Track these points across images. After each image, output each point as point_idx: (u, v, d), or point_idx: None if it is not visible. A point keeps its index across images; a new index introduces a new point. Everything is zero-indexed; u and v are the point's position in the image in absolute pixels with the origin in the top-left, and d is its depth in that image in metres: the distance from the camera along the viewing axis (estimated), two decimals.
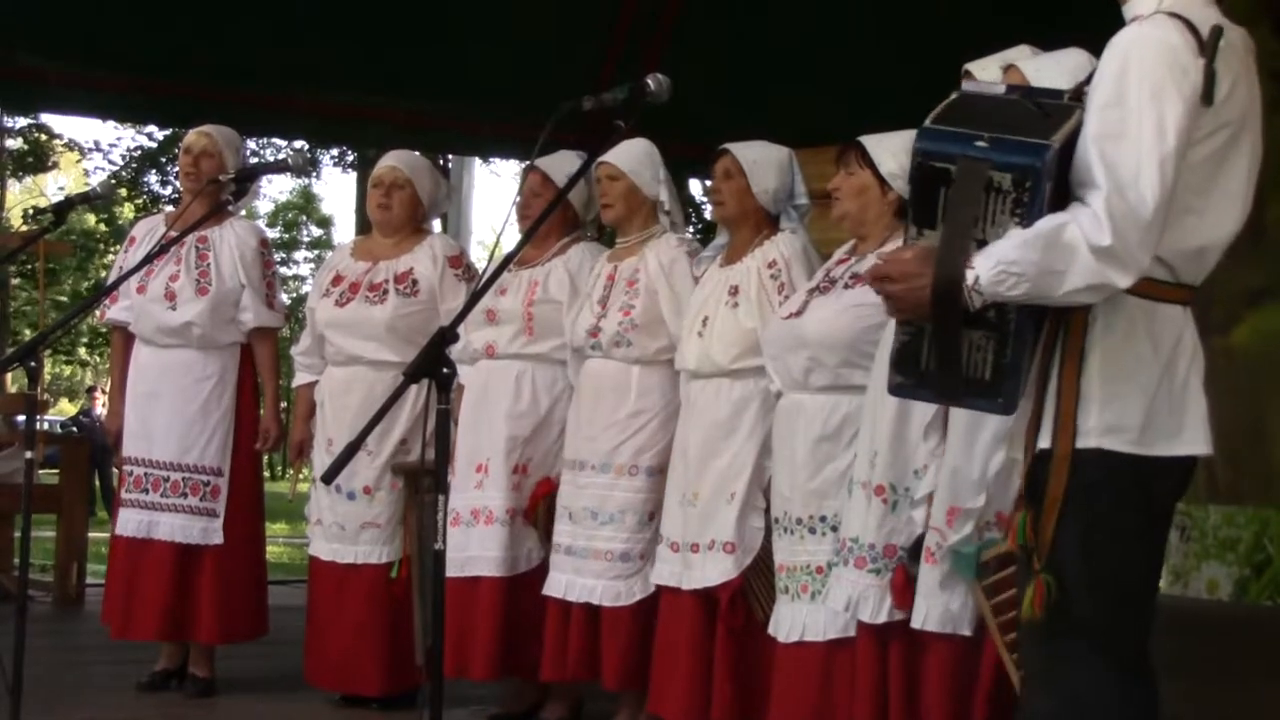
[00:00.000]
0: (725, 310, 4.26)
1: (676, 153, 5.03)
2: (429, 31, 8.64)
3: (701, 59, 8.78)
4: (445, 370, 2.60)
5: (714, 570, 4.16)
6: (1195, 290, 2.51)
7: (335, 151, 22.90)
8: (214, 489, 5.15)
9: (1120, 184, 2.33)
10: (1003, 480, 3.26)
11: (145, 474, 5.17)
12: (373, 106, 8.99)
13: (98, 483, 15.60)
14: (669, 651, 4.25)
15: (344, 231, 31.74)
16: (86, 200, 4.88)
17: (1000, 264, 2.34)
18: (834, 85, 9.14)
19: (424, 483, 4.44)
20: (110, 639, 5.30)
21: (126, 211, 26.75)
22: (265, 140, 20.94)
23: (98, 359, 31.81)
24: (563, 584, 4.49)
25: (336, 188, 37.39)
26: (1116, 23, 2.49)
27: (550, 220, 4.69)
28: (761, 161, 4.35)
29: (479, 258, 14.43)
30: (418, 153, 5.66)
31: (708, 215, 16.24)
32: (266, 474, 6.57)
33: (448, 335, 2.65)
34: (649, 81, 3.02)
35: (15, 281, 25.44)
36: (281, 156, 8.49)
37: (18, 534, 5.26)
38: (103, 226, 29.34)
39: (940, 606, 3.40)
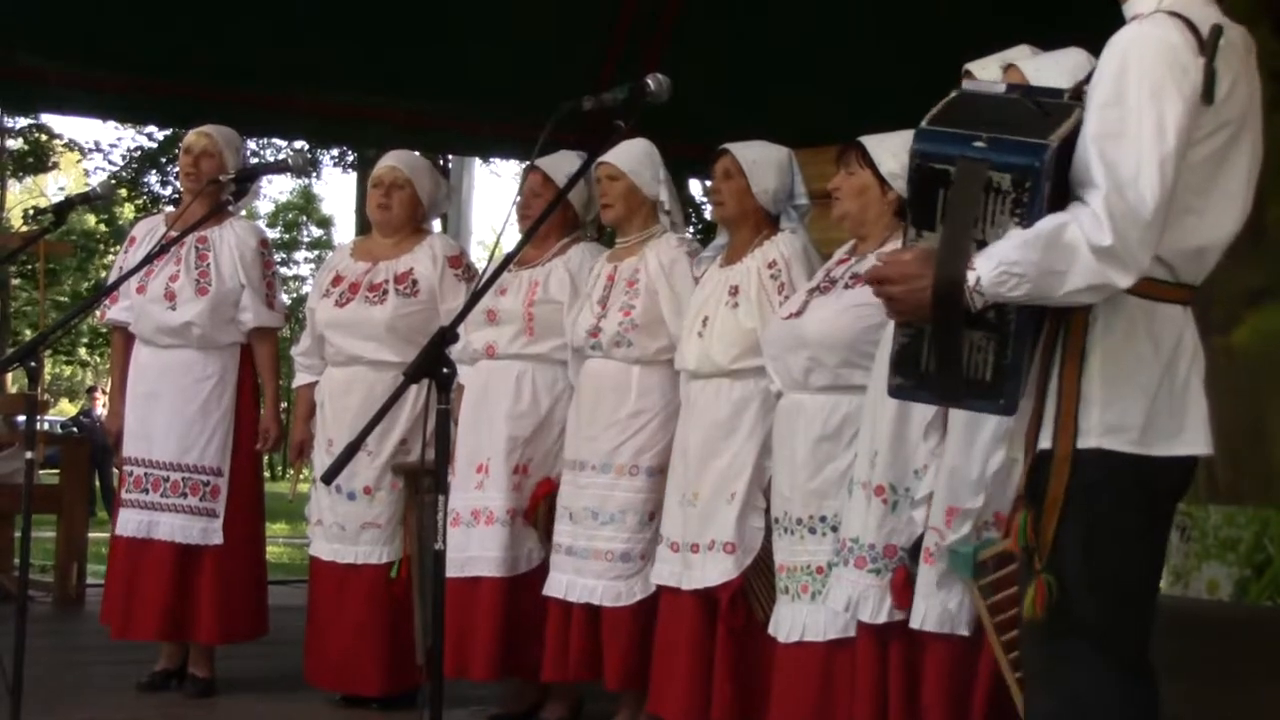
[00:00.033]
0: (725, 310, 4.26)
1: (676, 153, 5.03)
2: (429, 31, 8.64)
3: (701, 59, 8.78)
4: (445, 370, 2.60)
5: (714, 570, 4.16)
6: (1195, 290, 2.51)
7: (335, 152, 22.92)
8: (214, 489, 5.15)
9: (1120, 183, 2.33)
10: (1001, 480, 3.26)
11: (145, 474, 5.17)
12: (373, 106, 8.99)
13: (98, 483, 15.60)
14: (669, 652, 4.25)
15: (344, 232, 31.77)
16: (87, 200, 4.87)
17: (1001, 264, 2.34)
18: (834, 85, 9.14)
19: (424, 483, 4.44)
20: (110, 639, 5.30)
21: (127, 212, 26.76)
22: (265, 140, 20.97)
23: (98, 359, 31.83)
24: (563, 584, 4.49)
25: (337, 188, 37.44)
26: (1116, 22, 2.49)
27: (550, 220, 4.69)
28: (761, 161, 4.35)
29: (479, 258, 14.42)
30: (417, 153, 5.67)
31: (708, 215, 16.24)
32: (267, 474, 6.57)
33: (448, 335, 2.64)
34: (649, 81, 3.01)
35: (15, 282, 25.47)
36: (282, 157, 8.51)
37: (18, 534, 5.26)
38: (103, 227, 29.36)
39: (939, 607, 3.40)
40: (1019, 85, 2.76)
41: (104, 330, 19.32)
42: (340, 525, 4.99)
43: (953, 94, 2.58)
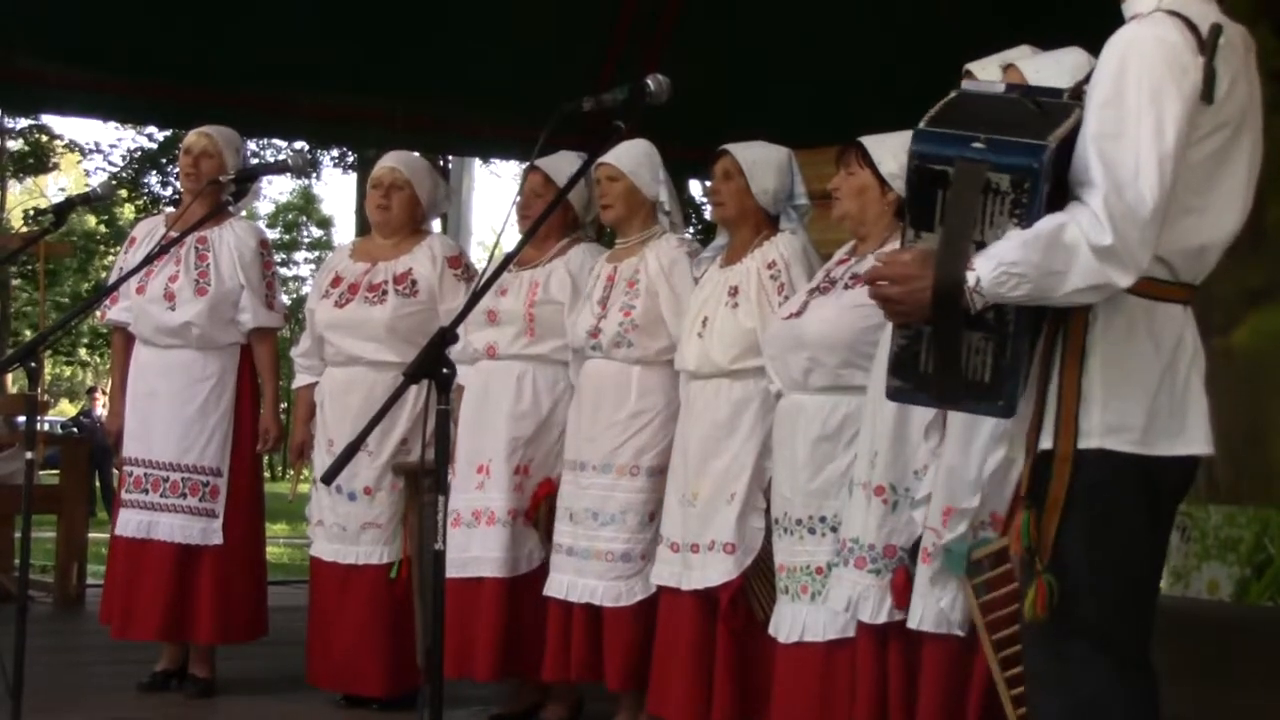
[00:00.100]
0: (725, 311, 4.26)
1: (676, 153, 5.03)
2: (429, 32, 8.65)
3: (701, 59, 8.78)
4: (445, 370, 2.60)
5: (714, 571, 4.15)
6: (1196, 289, 2.51)
7: (335, 152, 22.90)
8: (213, 489, 5.15)
9: (1119, 183, 2.33)
10: (998, 480, 3.26)
11: (145, 474, 5.17)
12: (373, 107, 9.00)
13: (98, 483, 15.60)
14: (669, 652, 4.25)
15: (344, 232, 31.75)
16: (87, 201, 4.87)
17: (1001, 265, 2.34)
18: (834, 85, 9.14)
19: (424, 483, 4.44)
20: (110, 639, 5.30)
21: (127, 212, 26.75)
22: (265, 141, 20.95)
23: (98, 360, 31.83)
24: (564, 585, 4.49)
25: (337, 188, 37.39)
26: (1115, 21, 2.49)
27: (550, 221, 4.69)
28: (761, 162, 4.35)
29: (479, 258, 14.43)
30: (417, 154, 5.66)
31: (708, 216, 16.25)
32: (267, 475, 6.57)
33: (447, 336, 2.64)
34: (649, 82, 3.01)
35: (15, 282, 25.49)
36: (281, 157, 8.50)
37: (18, 534, 5.26)
38: (103, 228, 29.35)
39: (935, 607, 3.40)
40: (1018, 85, 2.76)
41: (104, 331, 19.34)
42: (341, 526, 4.99)
43: (951, 94, 2.57)
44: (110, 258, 26.45)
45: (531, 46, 8.75)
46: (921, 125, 2.46)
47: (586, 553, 4.45)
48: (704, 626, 4.19)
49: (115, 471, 6.15)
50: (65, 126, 25.26)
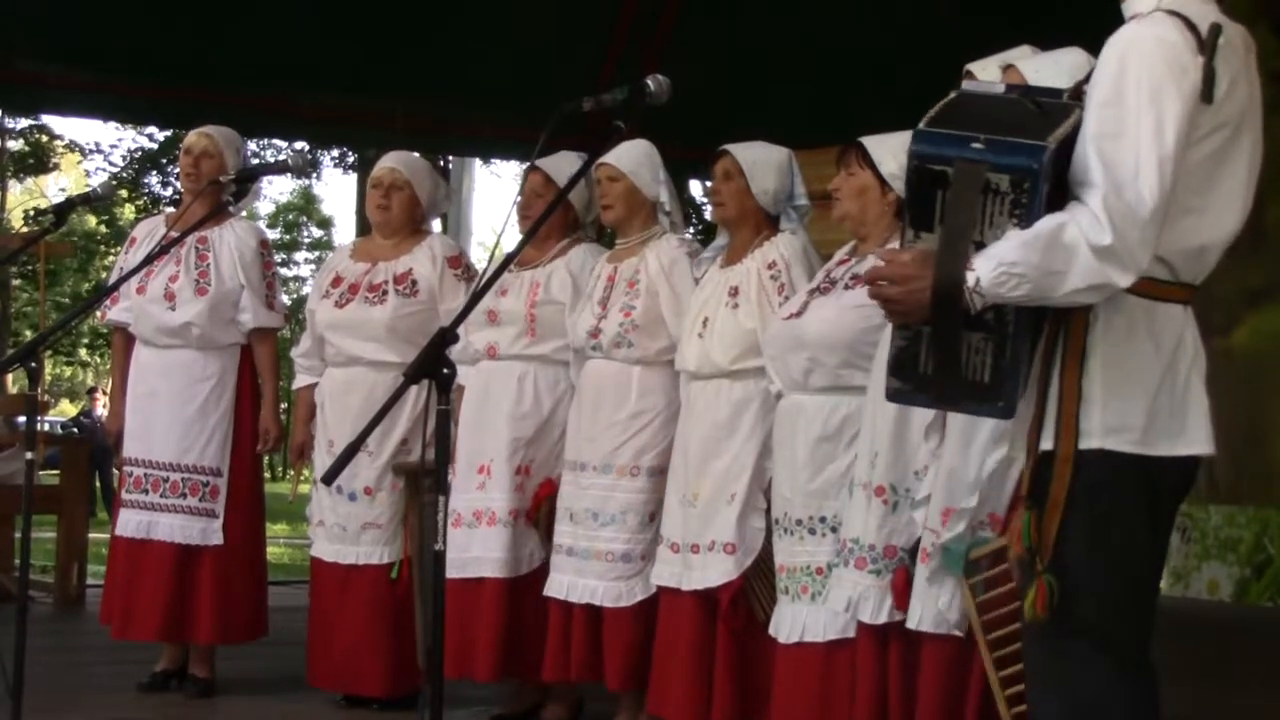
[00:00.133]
0: (725, 311, 4.26)
1: (676, 153, 5.03)
2: (429, 32, 8.65)
3: (701, 59, 8.78)
4: (445, 371, 2.60)
5: (714, 571, 4.15)
6: (1196, 289, 2.51)
7: (336, 152, 22.90)
8: (213, 489, 5.15)
9: (1119, 183, 2.33)
10: (997, 481, 3.26)
11: (145, 474, 5.17)
12: (373, 107, 9.00)
13: (98, 483, 15.60)
14: (669, 652, 4.25)
15: (344, 233, 31.74)
16: (87, 201, 4.87)
17: (1001, 265, 2.33)
18: (834, 85, 9.15)
19: (424, 483, 4.44)
20: (110, 639, 5.30)
21: (127, 213, 26.76)
22: (266, 141, 20.96)
23: (98, 360, 31.83)
24: (564, 585, 4.49)
25: (337, 189, 37.41)
26: (1115, 21, 2.49)
27: (551, 221, 4.69)
28: (761, 162, 4.35)
29: (479, 258, 14.43)
30: (417, 154, 5.66)
31: (708, 216, 16.25)
32: (267, 475, 6.57)
33: (448, 336, 2.64)
34: (649, 82, 3.01)
35: (16, 283, 25.50)
36: (282, 157, 8.50)
37: (18, 535, 5.25)
38: (103, 228, 29.36)
39: (934, 607, 3.40)
40: (1018, 85, 2.76)
41: (104, 331, 19.34)
42: (341, 526, 4.99)
43: (951, 95, 2.57)
44: (110, 258, 26.45)
45: (531, 46, 8.75)
46: (921, 126, 2.46)
47: (587, 553, 4.45)
48: (704, 627, 4.19)
49: (115, 472, 6.15)
50: (65, 127, 25.28)
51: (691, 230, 15.39)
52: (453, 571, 4.45)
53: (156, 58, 8.11)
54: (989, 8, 8.05)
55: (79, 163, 26.88)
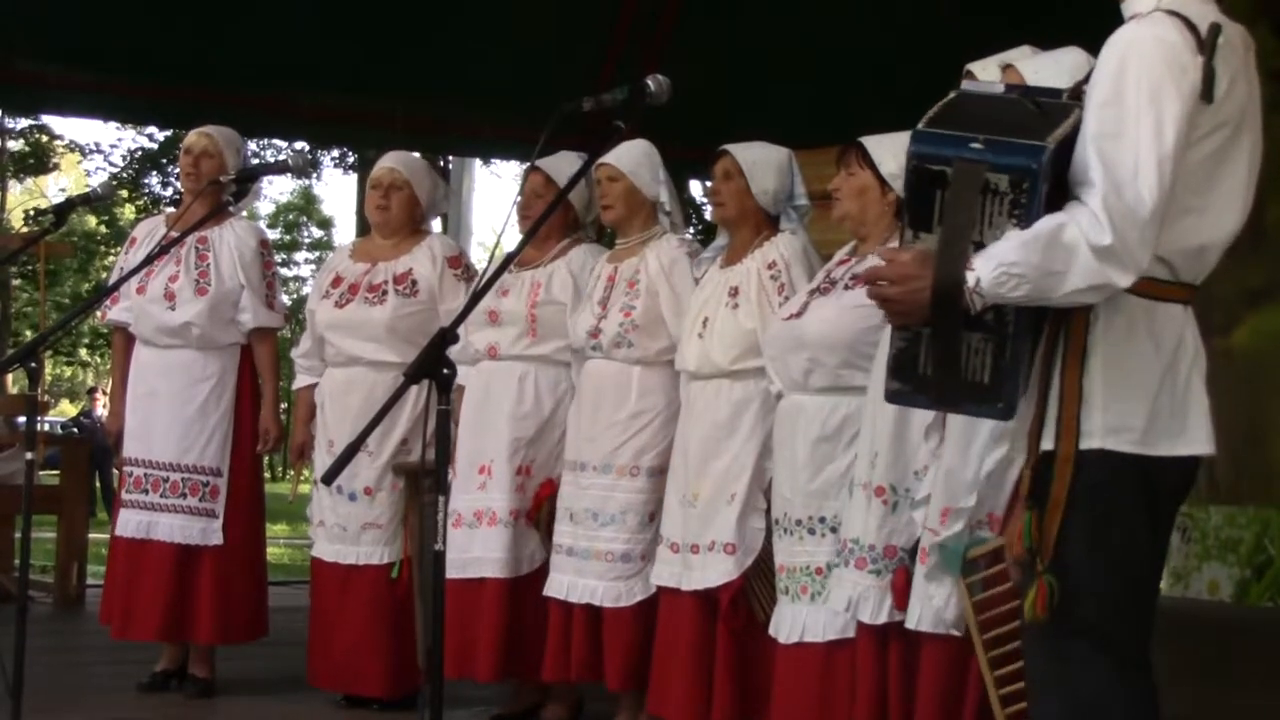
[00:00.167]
0: (725, 311, 4.26)
1: (676, 153, 5.03)
2: (429, 32, 8.65)
3: (701, 59, 8.78)
4: (445, 371, 2.60)
5: (714, 571, 4.15)
6: (1196, 289, 2.50)
7: (336, 153, 22.91)
8: (213, 489, 5.15)
9: (1118, 183, 2.33)
10: (995, 480, 3.26)
11: (145, 474, 5.17)
12: (373, 108, 9.00)
13: (98, 483, 15.60)
14: (669, 652, 4.25)
15: (345, 233, 31.75)
16: (87, 201, 4.87)
17: (1001, 265, 2.33)
18: (834, 85, 9.15)
19: (424, 483, 4.44)
20: (110, 639, 5.30)
21: (127, 213, 26.77)
22: (266, 141, 20.96)
23: (98, 360, 31.84)
24: (564, 585, 4.49)
25: (337, 189, 37.42)
26: (1115, 21, 2.49)
27: (551, 222, 4.69)
28: (761, 162, 4.35)
29: (479, 259, 14.43)
30: (416, 154, 5.67)
31: (708, 216, 16.25)
32: (267, 475, 6.57)
33: (448, 336, 2.64)
34: (649, 82, 3.01)
35: (16, 283, 25.51)
36: (282, 157, 8.50)
37: (18, 535, 5.26)
38: (103, 228, 29.37)
39: (932, 607, 3.40)
40: (1017, 85, 2.75)
41: (104, 331, 19.34)
42: (342, 526, 4.99)
43: (950, 95, 2.56)
44: (111, 258, 26.46)
45: (531, 46, 8.75)
46: (920, 126, 2.45)
47: (586, 553, 4.45)
48: (704, 627, 4.19)
49: (115, 472, 6.15)
50: (65, 127, 25.32)
51: (691, 230, 15.39)
52: (453, 572, 4.45)
53: (156, 58, 8.11)
54: (989, 8, 8.04)
55: (79, 163, 26.91)
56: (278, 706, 5.13)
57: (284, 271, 29.76)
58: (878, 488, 3.58)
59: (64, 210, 4.60)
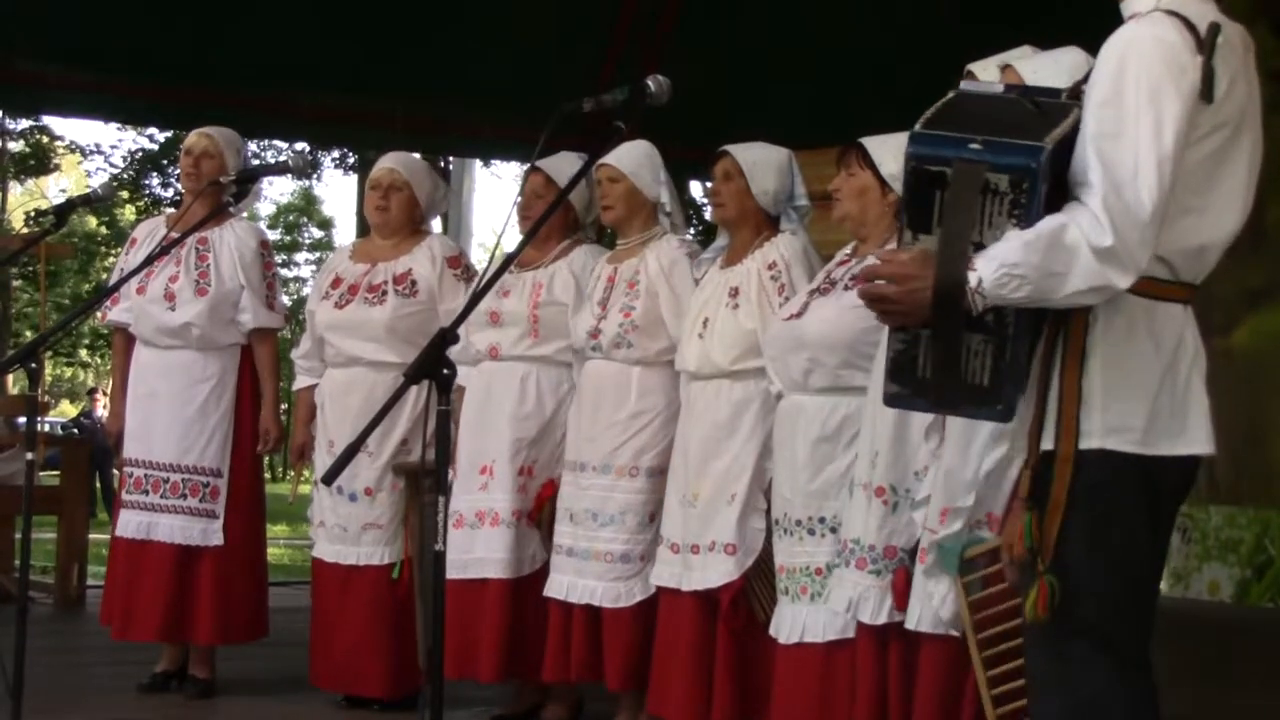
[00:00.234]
0: (725, 312, 4.26)
1: (676, 154, 5.03)
2: (429, 32, 8.65)
3: (701, 59, 8.78)
4: (445, 371, 2.60)
5: (715, 572, 4.15)
6: (1196, 289, 2.50)
7: (336, 153, 22.91)
8: (213, 490, 5.15)
9: (1118, 183, 2.32)
10: (994, 480, 3.26)
11: (145, 475, 5.17)
12: (373, 108, 9.00)
13: (98, 484, 15.60)
14: (669, 652, 4.25)
15: (345, 233, 31.73)
16: (87, 202, 4.87)
17: (1003, 266, 2.33)
18: (834, 85, 9.15)
19: (425, 483, 4.44)
20: (111, 640, 5.30)
21: (128, 214, 26.77)
22: (266, 142, 20.96)
23: (99, 361, 31.84)
24: (564, 585, 4.49)
25: (337, 190, 37.38)
26: (1115, 21, 2.49)
27: (551, 222, 4.69)
28: (761, 163, 4.35)
29: (479, 259, 14.43)
30: (416, 154, 5.67)
31: (708, 217, 16.24)
32: (267, 475, 6.57)
33: (448, 336, 2.64)
34: (649, 83, 3.01)
35: (16, 284, 25.51)
36: (282, 158, 8.51)
37: (19, 535, 5.25)
38: (104, 229, 29.37)
39: (933, 608, 3.39)
40: (1016, 85, 2.75)
41: (105, 332, 19.35)
42: (342, 526, 5.00)
43: (949, 95, 2.56)
44: (111, 259, 26.47)
45: (531, 46, 8.75)
46: (918, 126, 2.45)
47: (586, 553, 4.45)
48: (704, 627, 4.19)
49: (115, 472, 6.16)
50: (66, 128, 25.29)
51: (692, 231, 15.39)
52: (455, 572, 4.45)
53: (156, 58, 8.11)
54: (989, 8, 8.04)
55: (79, 164, 26.89)
56: (278, 707, 5.13)
57: (284, 272, 29.76)
58: (878, 488, 3.58)
59: (64, 211, 4.60)
